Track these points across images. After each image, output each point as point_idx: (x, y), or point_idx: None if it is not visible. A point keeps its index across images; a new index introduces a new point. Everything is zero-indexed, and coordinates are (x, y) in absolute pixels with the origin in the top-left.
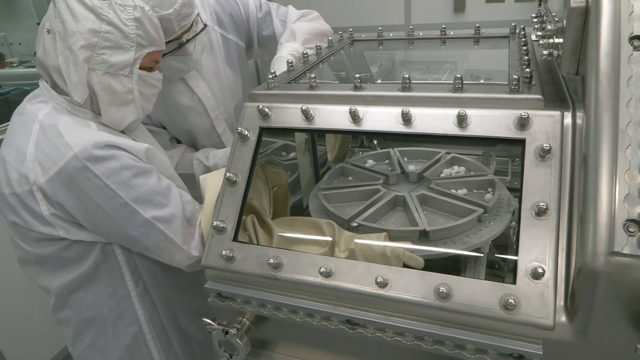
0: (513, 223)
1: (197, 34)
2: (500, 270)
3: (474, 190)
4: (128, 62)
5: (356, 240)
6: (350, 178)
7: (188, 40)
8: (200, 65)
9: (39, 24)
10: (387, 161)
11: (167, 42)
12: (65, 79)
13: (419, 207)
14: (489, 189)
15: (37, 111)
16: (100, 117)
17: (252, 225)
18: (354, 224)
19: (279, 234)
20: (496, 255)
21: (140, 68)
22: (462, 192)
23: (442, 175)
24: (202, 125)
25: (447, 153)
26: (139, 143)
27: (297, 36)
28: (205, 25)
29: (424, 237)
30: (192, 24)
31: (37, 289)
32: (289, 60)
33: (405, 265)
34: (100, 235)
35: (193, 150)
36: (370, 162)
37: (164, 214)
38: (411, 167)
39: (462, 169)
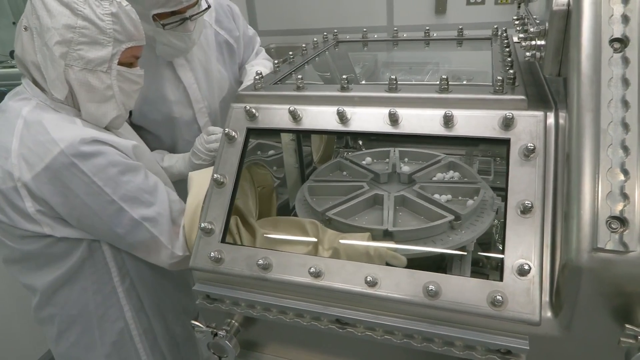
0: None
1: (201, 12)
2: (484, 267)
3: (460, 197)
4: (105, 58)
5: (340, 240)
6: (344, 173)
7: (191, 17)
8: (191, 56)
9: (14, 23)
10: (386, 160)
11: (170, 15)
12: (45, 76)
13: (391, 207)
14: (475, 197)
15: (20, 108)
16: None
17: (235, 226)
18: (326, 217)
19: (262, 234)
20: (479, 253)
21: (120, 64)
22: (445, 197)
23: (435, 178)
24: (185, 116)
25: (447, 155)
26: (126, 140)
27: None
28: (209, 6)
29: (388, 236)
30: (197, 1)
31: (17, 290)
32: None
33: (388, 264)
34: (85, 232)
35: (157, 150)
36: (368, 160)
37: (150, 212)
38: (405, 168)
39: (457, 174)
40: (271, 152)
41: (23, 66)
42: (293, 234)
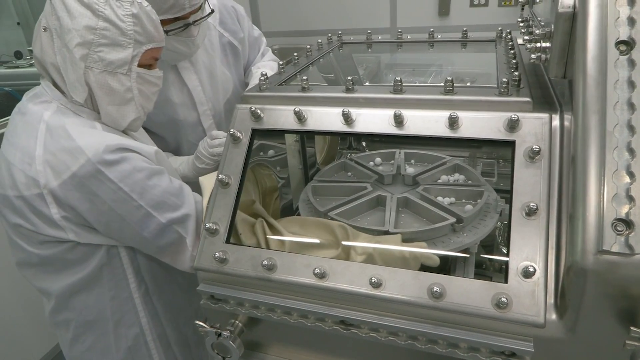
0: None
1: (204, 17)
2: (487, 270)
3: (463, 200)
4: (126, 60)
5: (374, 245)
6: (349, 174)
7: (194, 22)
8: (195, 59)
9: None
10: (392, 161)
11: (174, 21)
12: (64, 78)
13: (394, 209)
14: (478, 200)
15: (41, 111)
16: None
17: (262, 230)
18: (328, 218)
19: (292, 239)
20: (482, 255)
21: (139, 65)
22: (448, 200)
23: (439, 181)
24: (190, 118)
25: (452, 157)
26: (148, 145)
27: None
28: (212, 11)
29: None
30: (200, 6)
31: (22, 291)
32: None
33: (422, 267)
34: (112, 238)
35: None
36: (377, 160)
37: (178, 214)
38: (410, 170)
39: (462, 177)
40: (275, 153)
41: (42, 67)
42: (322, 237)
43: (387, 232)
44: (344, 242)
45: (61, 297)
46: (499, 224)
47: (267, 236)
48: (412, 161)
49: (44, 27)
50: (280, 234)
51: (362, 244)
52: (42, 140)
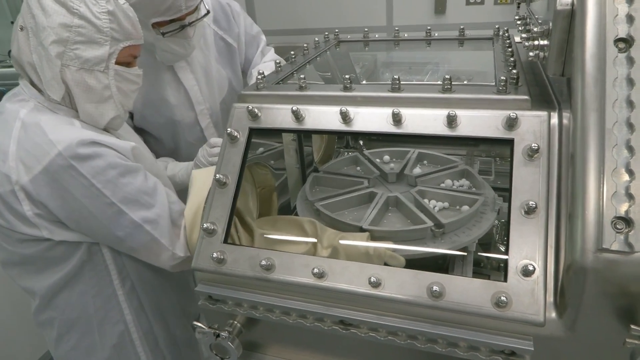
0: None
1: (200, 18)
2: (484, 268)
3: (457, 206)
4: (103, 57)
5: (339, 239)
6: (358, 168)
7: (190, 23)
8: (191, 58)
9: (12, 22)
10: (402, 160)
11: (170, 22)
12: (40, 76)
13: (378, 207)
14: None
15: (18, 110)
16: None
17: (233, 225)
18: (314, 207)
19: (260, 234)
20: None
21: (118, 63)
22: (441, 204)
23: (443, 185)
24: (187, 118)
25: (463, 161)
26: (125, 141)
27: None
28: (208, 12)
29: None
30: (196, 7)
31: (14, 293)
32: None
33: (386, 265)
34: (84, 235)
35: (161, 158)
36: (386, 158)
37: (150, 214)
38: (416, 170)
39: (467, 183)
40: (272, 152)
41: (20, 67)
42: (292, 233)
43: (361, 228)
44: (341, 241)
45: (44, 296)
46: (496, 222)
47: (239, 233)
48: (425, 162)
49: (21, 26)
50: (253, 231)
51: (330, 239)
52: (17, 137)
